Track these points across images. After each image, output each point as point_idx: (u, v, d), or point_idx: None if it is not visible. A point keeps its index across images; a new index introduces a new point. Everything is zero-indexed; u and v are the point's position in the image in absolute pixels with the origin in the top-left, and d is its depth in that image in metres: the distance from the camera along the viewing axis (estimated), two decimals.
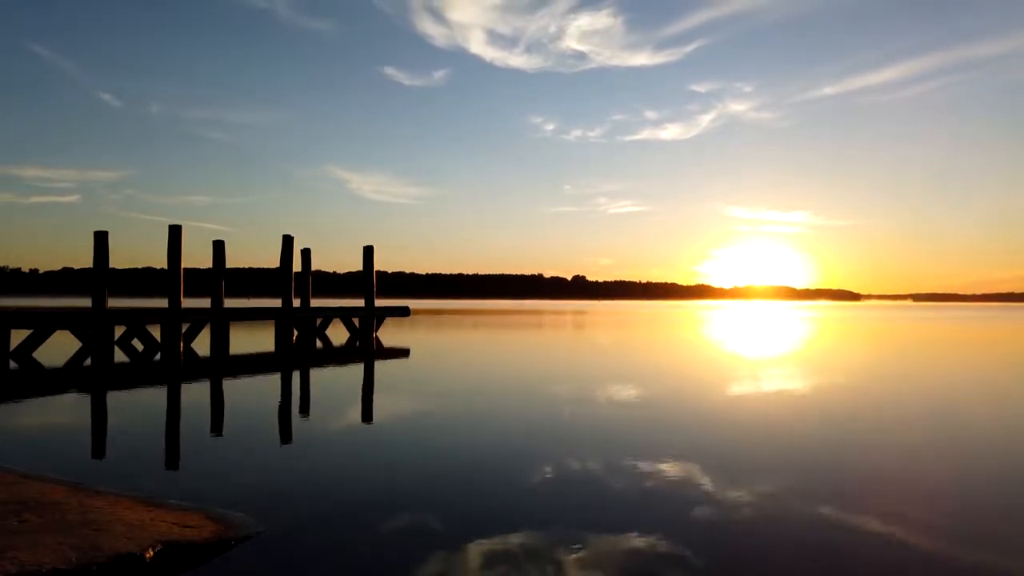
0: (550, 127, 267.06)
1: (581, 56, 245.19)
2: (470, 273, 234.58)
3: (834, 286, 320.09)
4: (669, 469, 5.81)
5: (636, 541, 4.07)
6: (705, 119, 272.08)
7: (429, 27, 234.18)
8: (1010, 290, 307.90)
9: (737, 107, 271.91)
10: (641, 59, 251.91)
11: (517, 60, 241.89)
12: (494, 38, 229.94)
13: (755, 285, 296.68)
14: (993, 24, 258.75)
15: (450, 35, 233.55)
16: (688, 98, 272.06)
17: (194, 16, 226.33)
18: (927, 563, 3.86)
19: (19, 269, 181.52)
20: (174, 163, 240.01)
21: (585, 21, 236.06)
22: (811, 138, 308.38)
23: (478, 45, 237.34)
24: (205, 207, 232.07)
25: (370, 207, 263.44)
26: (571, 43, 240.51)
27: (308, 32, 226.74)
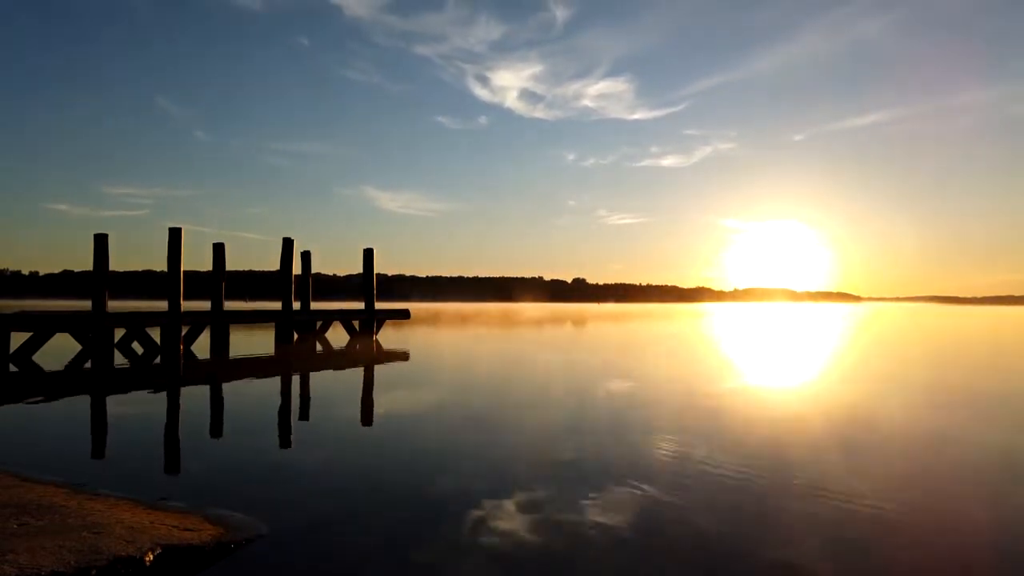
0: (571, 156, 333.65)
1: (592, 111, 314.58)
2: (470, 276, 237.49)
3: (833, 289, 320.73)
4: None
5: None
6: (700, 153, 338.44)
7: (477, 88, 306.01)
8: (1010, 293, 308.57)
9: (726, 146, 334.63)
10: (640, 114, 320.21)
11: (540, 113, 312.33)
12: (524, 95, 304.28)
13: (756, 288, 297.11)
14: (962, 80, 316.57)
15: (491, 94, 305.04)
16: (683, 138, 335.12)
17: (297, 81, 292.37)
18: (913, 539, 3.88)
19: (19, 271, 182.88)
20: (240, 184, 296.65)
21: (603, 85, 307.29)
22: (797, 164, 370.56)
23: (511, 101, 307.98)
24: (253, 218, 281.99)
25: (391, 218, 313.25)
26: (586, 102, 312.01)
27: (386, 91, 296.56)
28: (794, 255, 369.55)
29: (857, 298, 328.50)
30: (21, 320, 16.58)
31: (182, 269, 19.71)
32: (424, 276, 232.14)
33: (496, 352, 20.94)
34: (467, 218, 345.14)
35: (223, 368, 15.50)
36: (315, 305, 25.63)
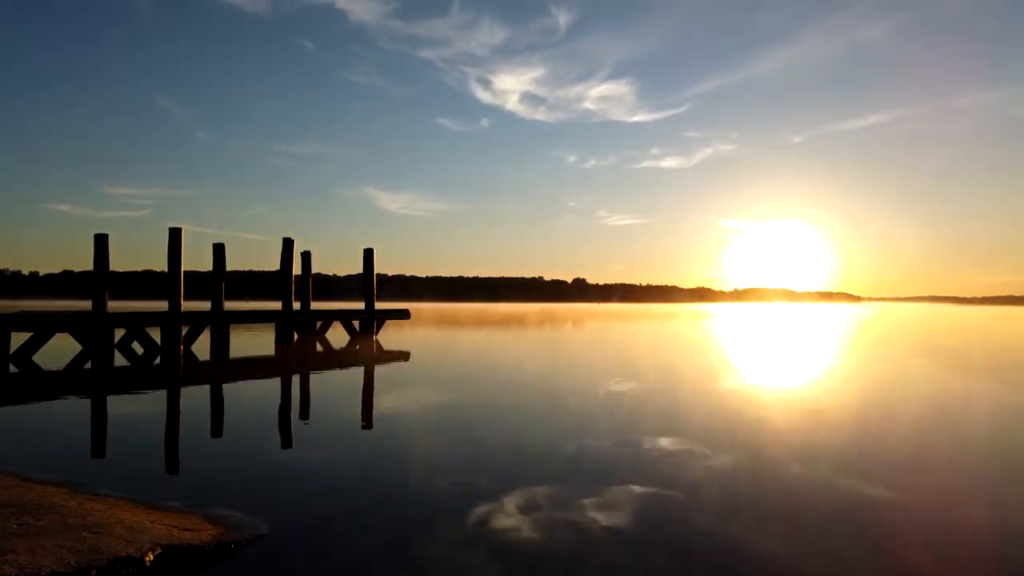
0: (572, 158, 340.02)
1: (594, 113, 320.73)
2: (470, 276, 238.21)
3: (834, 289, 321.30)
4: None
5: None
6: (700, 154, 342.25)
7: (479, 91, 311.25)
8: (1010, 293, 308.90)
9: (726, 147, 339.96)
10: (640, 116, 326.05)
11: (542, 115, 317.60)
12: (526, 98, 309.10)
13: (756, 288, 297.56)
14: (962, 82, 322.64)
15: (493, 97, 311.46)
16: (684, 140, 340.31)
17: (298, 83, 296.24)
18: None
19: (19, 271, 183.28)
20: (240, 185, 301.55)
21: (605, 88, 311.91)
22: (798, 165, 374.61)
23: (513, 104, 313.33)
24: (253, 219, 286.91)
25: (391, 219, 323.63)
26: (588, 105, 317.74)
27: (388, 94, 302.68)
28: (794, 255, 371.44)
29: (857, 298, 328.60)
30: (21, 320, 16.58)
31: (182, 269, 19.72)
32: (424, 276, 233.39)
33: (496, 352, 20.94)
34: (467, 219, 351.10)
35: (223, 368, 15.50)
36: (315, 305, 25.63)
